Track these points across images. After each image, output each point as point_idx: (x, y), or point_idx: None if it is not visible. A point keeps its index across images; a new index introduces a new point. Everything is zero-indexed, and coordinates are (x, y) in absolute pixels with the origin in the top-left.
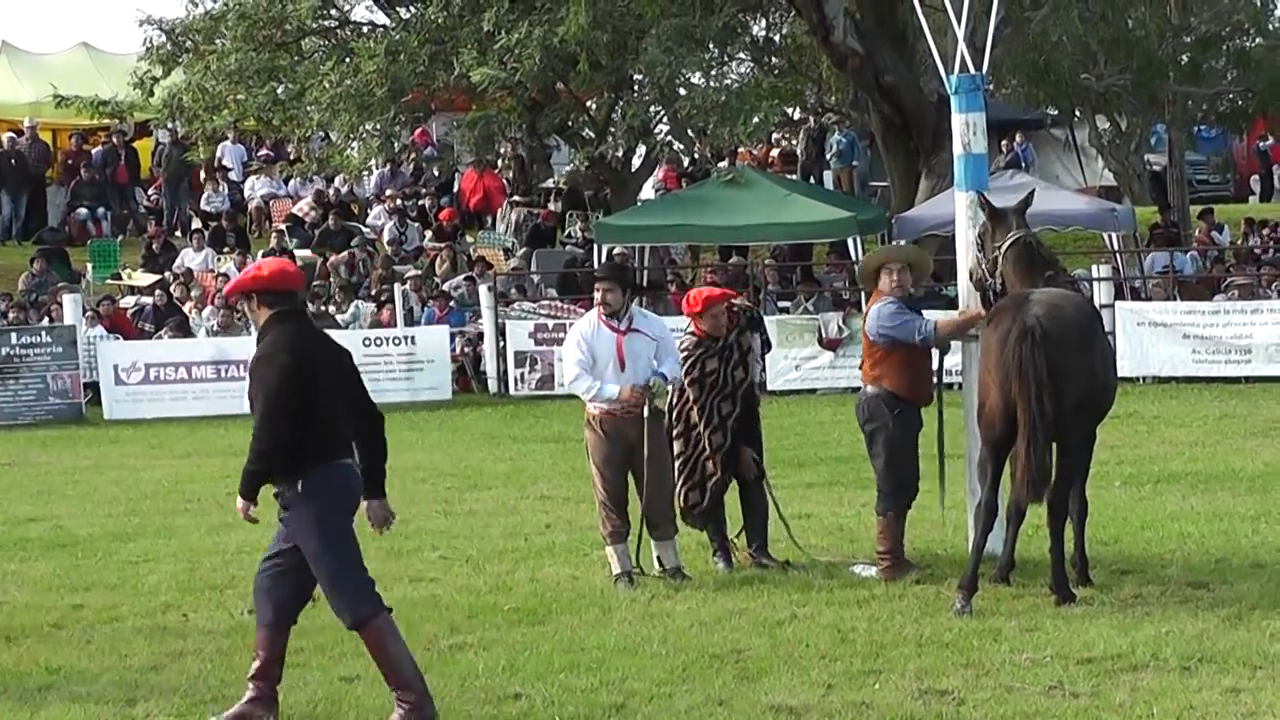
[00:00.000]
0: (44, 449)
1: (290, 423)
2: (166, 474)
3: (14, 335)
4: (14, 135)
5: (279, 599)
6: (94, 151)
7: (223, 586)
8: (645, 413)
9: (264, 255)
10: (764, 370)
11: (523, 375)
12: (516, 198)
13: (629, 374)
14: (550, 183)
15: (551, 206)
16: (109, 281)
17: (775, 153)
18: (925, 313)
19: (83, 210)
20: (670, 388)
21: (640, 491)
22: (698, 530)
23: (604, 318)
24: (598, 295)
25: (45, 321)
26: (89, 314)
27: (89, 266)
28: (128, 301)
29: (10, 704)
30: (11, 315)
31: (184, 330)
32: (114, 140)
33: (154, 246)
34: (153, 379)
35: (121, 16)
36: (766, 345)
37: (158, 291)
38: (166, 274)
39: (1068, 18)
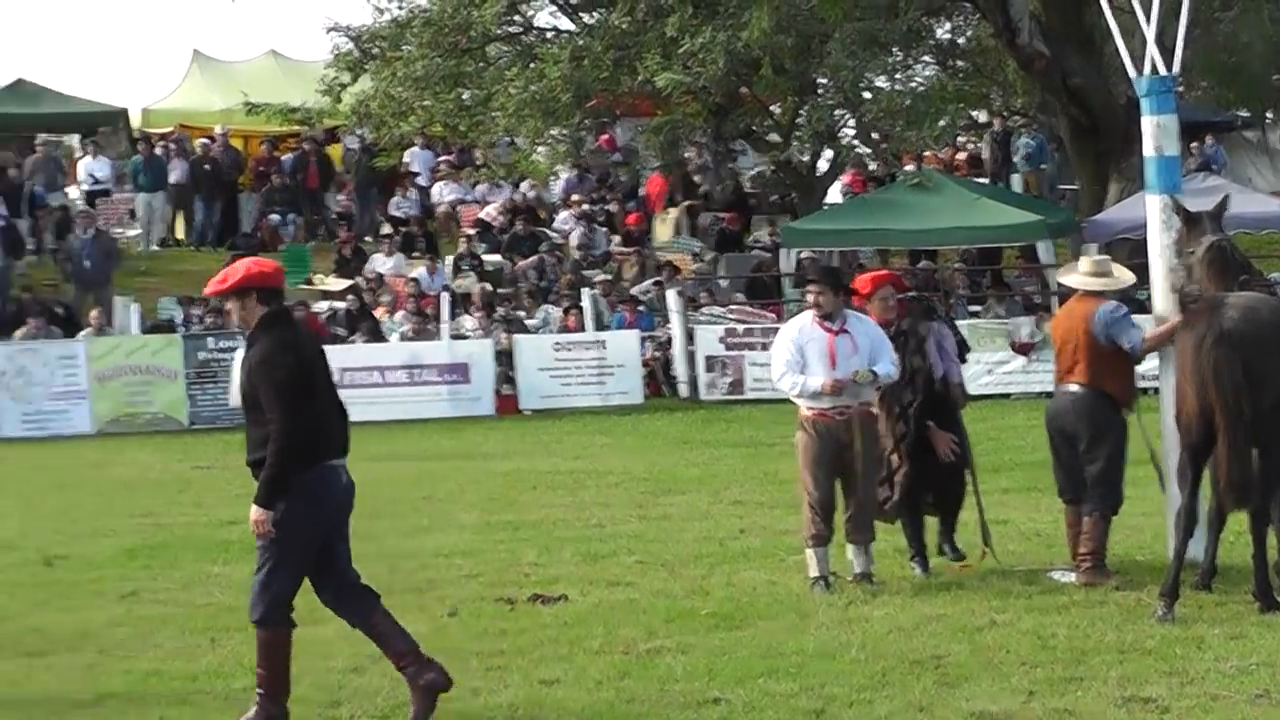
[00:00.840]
0: (241, 452)
1: (305, 419)
2: (361, 477)
3: (211, 340)
4: (207, 142)
5: (346, 599)
6: (285, 158)
7: (422, 589)
8: (851, 399)
9: (453, 261)
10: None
11: (713, 380)
12: (689, 201)
13: (839, 373)
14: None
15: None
16: (301, 287)
17: (961, 156)
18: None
19: (275, 216)
20: (880, 380)
21: (848, 495)
22: (889, 524)
23: (817, 319)
24: (810, 298)
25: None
26: None
27: None
28: (320, 306)
29: (217, 703)
30: (208, 320)
31: (376, 335)
32: (304, 147)
33: (345, 252)
34: (346, 383)
35: (310, 24)
36: (965, 347)
37: (349, 296)
38: (358, 279)
39: (1258, 18)
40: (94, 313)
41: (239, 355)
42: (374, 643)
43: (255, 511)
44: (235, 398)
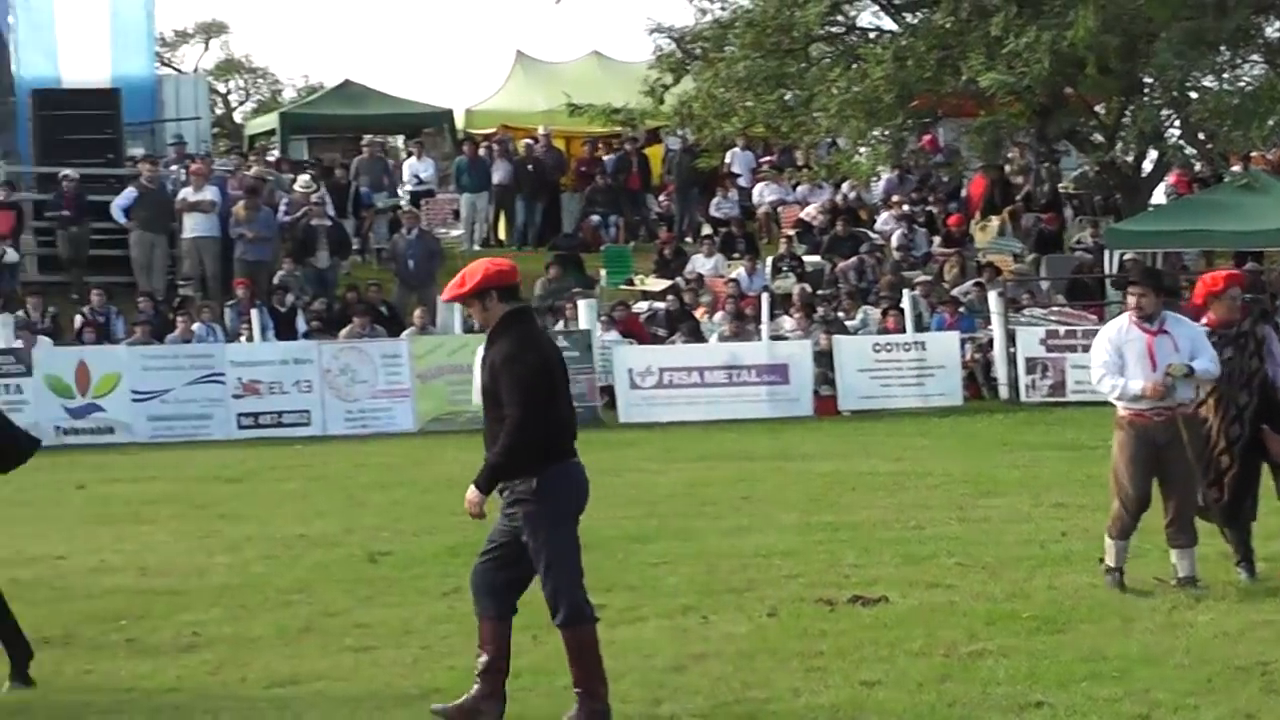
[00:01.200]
0: None
1: (543, 419)
2: (682, 477)
3: None
4: (530, 143)
5: (499, 592)
6: (606, 159)
7: (741, 589)
8: (1171, 401)
9: (773, 261)
10: None
11: (1034, 382)
12: (1011, 206)
13: (1160, 374)
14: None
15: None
16: (622, 287)
17: None
18: None
19: (596, 217)
20: (1197, 376)
21: (1167, 498)
22: (1216, 525)
23: (1135, 320)
24: (1131, 300)
25: (560, 326)
26: (603, 319)
27: (602, 272)
28: (640, 306)
29: (540, 700)
30: None
31: (696, 335)
32: (626, 147)
33: (665, 252)
34: (666, 383)
35: (632, 25)
36: None
37: (669, 296)
38: (678, 279)
39: None
40: (417, 312)
41: (479, 354)
42: (485, 639)
43: (472, 493)
44: (477, 396)
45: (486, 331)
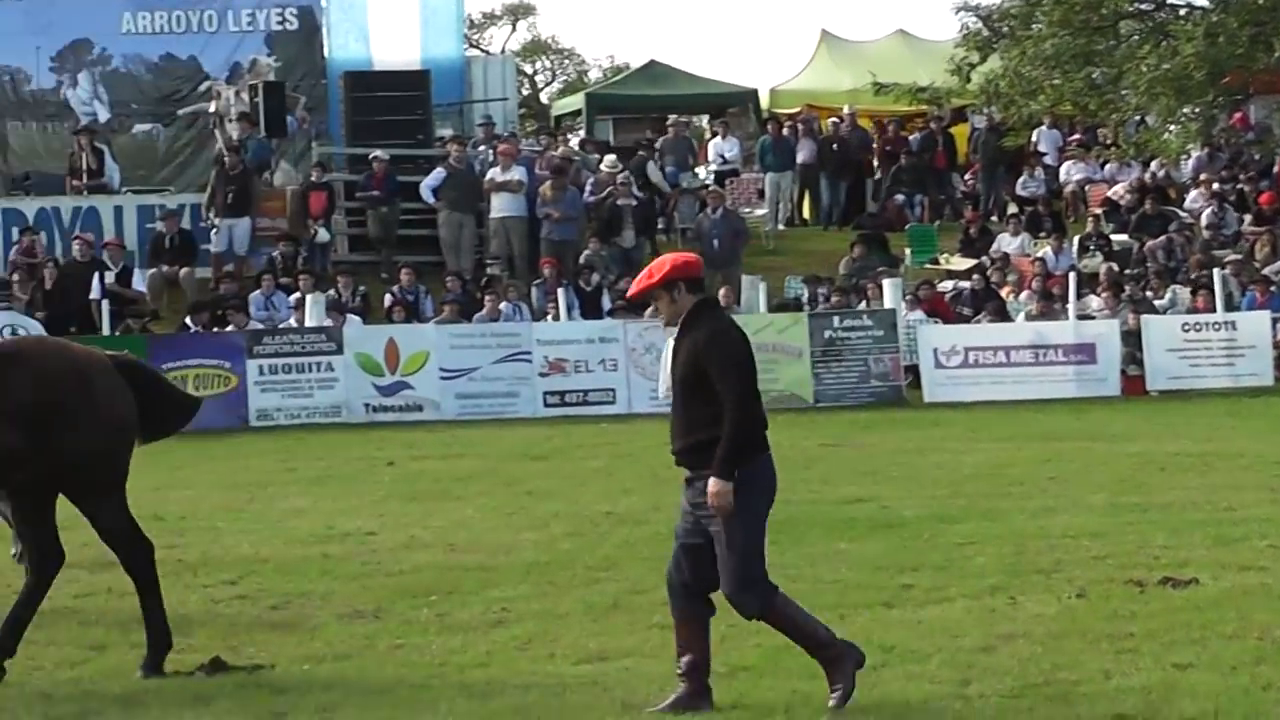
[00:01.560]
0: (866, 430)
1: (754, 398)
2: (987, 457)
3: (836, 319)
4: (836, 122)
5: (694, 593)
6: (912, 138)
7: (1049, 570)
8: None
9: (1080, 240)
10: None
11: None
12: None
13: None
14: None
15: None
16: (927, 266)
17: None
18: None
19: (900, 196)
20: None
21: None
22: None
23: None
24: None
25: (865, 305)
26: (908, 298)
27: (907, 251)
28: (945, 285)
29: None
30: (834, 299)
31: (1001, 314)
32: (932, 126)
33: (971, 231)
34: (971, 363)
35: (938, 3)
36: None
37: (975, 276)
38: (984, 258)
39: None
40: (722, 291)
41: (668, 347)
42: (685, 641)
43: (715, 485)
44: (664, 387)
45: (675, 323)
